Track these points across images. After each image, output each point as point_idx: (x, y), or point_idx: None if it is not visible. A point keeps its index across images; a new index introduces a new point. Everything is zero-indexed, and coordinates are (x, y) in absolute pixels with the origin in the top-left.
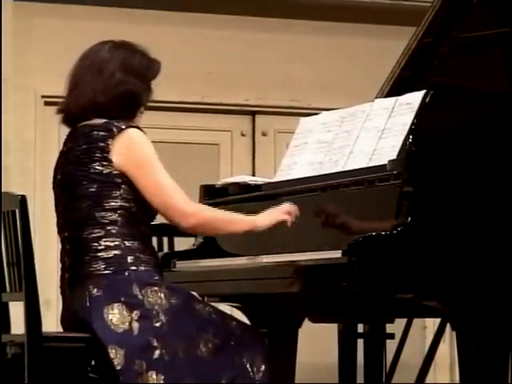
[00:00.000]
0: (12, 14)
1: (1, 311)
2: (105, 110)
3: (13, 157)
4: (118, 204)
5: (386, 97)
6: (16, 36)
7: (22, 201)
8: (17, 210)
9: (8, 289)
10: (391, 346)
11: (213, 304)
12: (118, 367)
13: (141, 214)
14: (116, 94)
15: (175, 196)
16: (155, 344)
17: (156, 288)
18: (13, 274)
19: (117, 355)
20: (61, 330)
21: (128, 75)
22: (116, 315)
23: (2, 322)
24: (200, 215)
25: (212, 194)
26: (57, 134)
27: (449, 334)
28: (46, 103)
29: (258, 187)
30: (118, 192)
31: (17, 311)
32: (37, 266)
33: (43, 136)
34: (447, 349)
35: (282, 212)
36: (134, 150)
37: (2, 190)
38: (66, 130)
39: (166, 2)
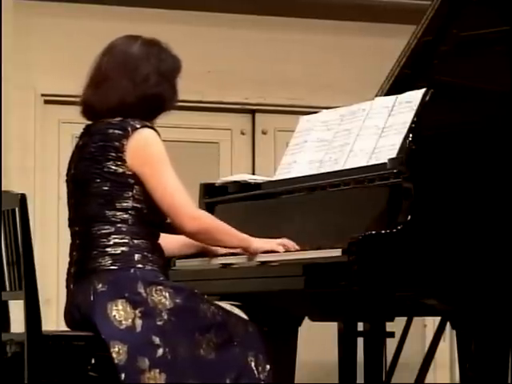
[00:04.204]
0: (12, 12)
1: (0, 310)
2: (130, 110)
3: (13, 156)
4: (130, 205)
5: (386, 95)
6: (16, 35)
7: (22, 199)
8: (16, 209)
9: (8, 287)
10: (391, 345)
11: (217, 303)
12: (121, 363)
13: (152, 215)
14: (146, 95)
15: (182, 199)
16: (158, 342)
17: (161, 287)
18: (12, 272)
19: (119, 351)
20: (61, 328)
21: (161, 78)
22: (120, 311)
23: (1, 321)
24: (204, 221)
25: (212, 193)
26: (57, 133)
27: (449, 333)
28: (46, 102)
29: (257, 186)
30: (130, 193)
31: (16, 310)
32: (36, 265)
33: (43, 135)
34: (447, 348)
35: (279, 243)
36: (145, 149)
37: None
38: (66, 129)
39: (166, 0)
